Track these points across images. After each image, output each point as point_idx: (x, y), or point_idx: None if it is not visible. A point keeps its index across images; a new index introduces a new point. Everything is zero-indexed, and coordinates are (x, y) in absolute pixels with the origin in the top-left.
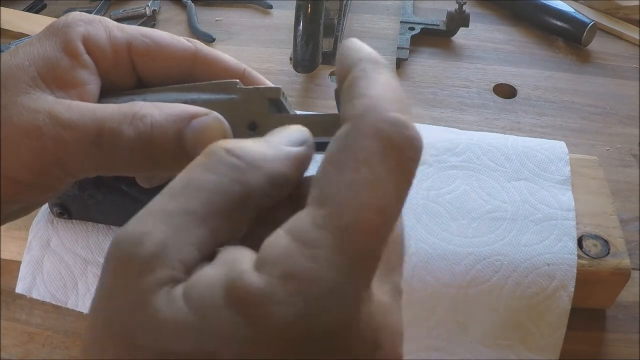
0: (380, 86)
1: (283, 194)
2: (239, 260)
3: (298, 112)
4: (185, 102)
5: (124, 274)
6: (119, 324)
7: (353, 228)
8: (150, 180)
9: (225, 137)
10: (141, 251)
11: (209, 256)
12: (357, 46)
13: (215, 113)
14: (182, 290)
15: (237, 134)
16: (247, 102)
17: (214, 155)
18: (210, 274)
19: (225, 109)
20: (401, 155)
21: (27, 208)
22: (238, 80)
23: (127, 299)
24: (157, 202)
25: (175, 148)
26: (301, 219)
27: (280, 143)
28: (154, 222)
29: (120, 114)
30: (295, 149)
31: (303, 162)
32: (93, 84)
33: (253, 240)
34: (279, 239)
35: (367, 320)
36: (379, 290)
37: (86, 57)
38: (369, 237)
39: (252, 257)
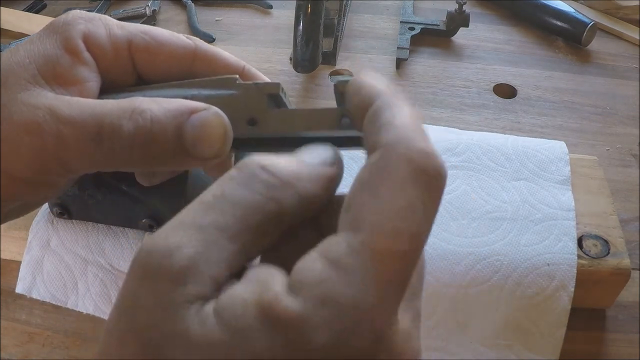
0: (407, 117)
1: (312, 213)
2: (271, 280)
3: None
4: (185, 97)
5: (154, 283)
6: (145, 330)
7: (388, 254)
8: (150, 178)
9: (224, 132)
10: (173, 264)
11: (237, 272)
12: (374, 80)
13: (214, 108)
14: (213, 308)
15: (236, 129)
16: (247, 98)
17: (248, 170)
18: (242, 293)
19: (224, 104)
20: (431, 183)
21: (27, 207)
22: (237, 76)
23: (156, 309)
24: (190, 214)
25: (174, 143)
26: (336, 244)
27: (313, 162)
28: (187, 235)
29: (119, 109)
30: (328, 170)
31: (334, 182)
32: (93, 81)
33: (276, 255)
34: (314, 263)
35: (392, 346)
36: (403, 316)
37: (86, 54)
38: (402, 264)
39: (283, 277)
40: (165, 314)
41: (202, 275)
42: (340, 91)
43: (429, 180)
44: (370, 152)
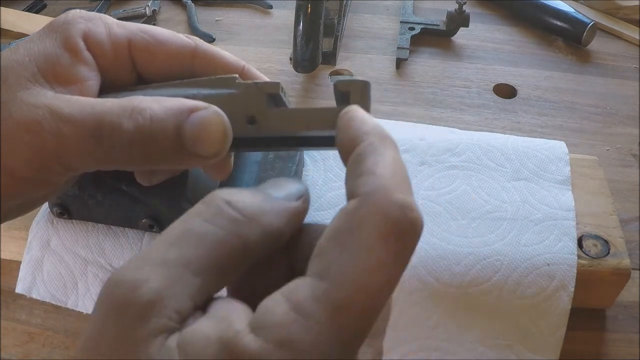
0: (388, 165)
1: (278, 246)
2: (234, 317)
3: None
4: (185, 97)
5: (119, 316)
6: None
7: (349, 308)
8: (150, 178)
9: (224, 131)
10: (138, 298)
11: (202, 305)
12: (362, 117)
13: (214, 107)
14: (176, 341)
15: (236, 128)
16: (246, 97)
17: (213, 206)
18: (205, 328)
19: (224, 103)
20: (405, 238)
21: (27, 206)
22: (237, 75)
23: (120, 342)
24: (155, 249)
25: (174, 142)
26: (301, 289)
27: (278, 196)
28: (152, 270)
29: (119, 108)
30: (293, 204)
31: (299, 216)
32: (93, 80)
33: (244, 287)
34: (277, 306)
35: None
36: (363, 356)
37: (86, 53)
38: (363, 317)
39: (246, 314)
40: (128, 347)
41: (166, 309)
42: (340, 90)
43: (403, 235)
44: (349, 197)
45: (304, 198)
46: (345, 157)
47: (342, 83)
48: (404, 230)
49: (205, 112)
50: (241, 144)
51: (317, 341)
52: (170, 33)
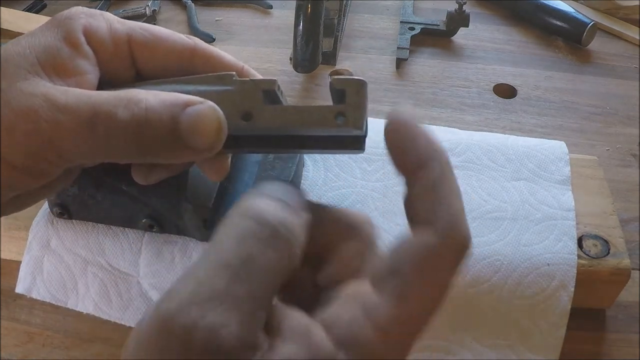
0: (458, 198)
1: None
2: (313, 335)
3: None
4: (181, 92)
5: None
6: None
7: (421, 325)
8: (146, 176)
9: (219, 124)
10: (222, 345)
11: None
12: (427, 133)
13: (210, 102)
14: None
15: (231, 124)
16: (242, 93)
17: (269, 227)
18: (295, 355)
19: (220, 99)
20: (461, 264)
21: (24, 200)
22: (234, 73)
23: None
24: (216, 279)
25: (169, 134)
26: (383, 311)
27: (299, 208)
28: (227, 311)
29: (115, 99)
30: (308, 216)
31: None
32: (92, 73)
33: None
34: (361, 326)
35: None
36: None
37: (86, 47)
38: (425, 328)
39: (321, 331)
40: None
41: (247, 347)
42: (336, 89)
43: (462, 262)
44: (420, 218)
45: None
46: (403, 165)
47: (338, 81)
48: (464, 259)
49: (201, 106)
50: (237, 143)
51: (396, 355)
52: (170, 32)
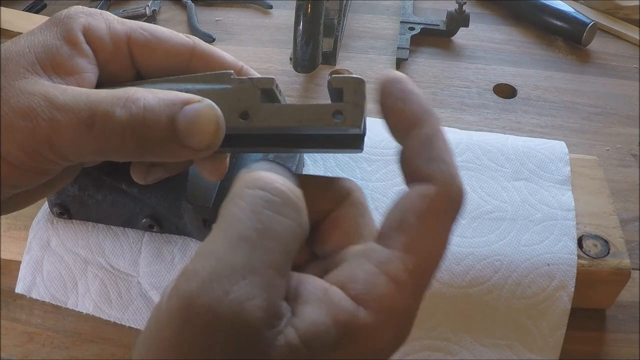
0: (451, 153)
1: None
2: (332, 295)
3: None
4: (179, 91)
5: (232, 343)
6: None
7: (429, 276)
8: (145, 176)
9: (217, 123)
10: (248, 319)
11: None
12: (419, 92)
13: (208, 100)
14: (296, 339)
15: (229, 122)
16: (240, 92)
17: (279, 194)
18: (316, 316)
19: (218, 98)
20: (458, 215)
21: (23, 199)
22: (232, 72)
23: None
24: (233, 252)
25: (167, 133)
26: (395, 263)
27: (290, 178)
28: (249, 283)
29: (113, 97)
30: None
31: None
32: (91, 72)
33: None
34: (377, 278)
35: None
36: None
37: (85, 46)
38: (432, 278)
39: (338, 290)
40: None
41: (273, 319)
42: (334, 87)
43: (458, 213)
44: (418, 174)
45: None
46: (397, 125)
47: (336, 80)
48: (460, 209)
49: (199, 104)
50: (235, 142)
51: (411, 305)
52: (169, 31)
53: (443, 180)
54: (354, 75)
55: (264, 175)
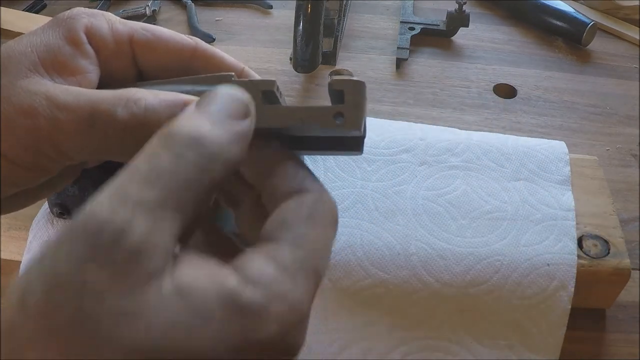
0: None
1: (231, 175)
2: (220, 269)
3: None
4: (181, 92)
5: (107, 263)
6: (98, 314)
7: (319, 270)
8: None
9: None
10: (127, 242)
11: (181, 239)
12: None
13: None
14: (174, 287)
15: None
16: None
17: (180, 139)
18: (204, 277)
19: None
20: (336, 219)
21: (23, 198)
22: (233, 74)
23: (111, 289)
24: (129, 187)
25: None
26: (282, 254)
27: (226, 117)
28: (135, 211)
29: (114, 97)
30: (244, 127)
31: (249, 137)
32: (92, 72)
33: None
34: (267, 266)
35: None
36: None
37: (87, 46)
38: (322, 277)
39: (229, 268)
40: (121, 294)
41: (155, 251)
42: (335, 89)
43: (336, 219)
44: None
45: (251, 116)
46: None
47: (337, 82)
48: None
49: None
50: None
51: (302, 296)
52: (171, 32)
53: (316, 190)
54: (355, 78)
55: (177, 125)
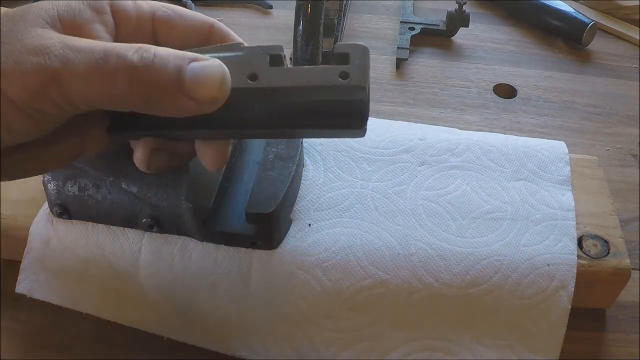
0: None
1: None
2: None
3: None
4: None
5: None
6: None
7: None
8: (148, 163)
9: (223, 76)
10: None
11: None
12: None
13: (217, 60)
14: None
15: (238, 83)
16: (250, 57)
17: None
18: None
19: (229, 62)
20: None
21: (23, 163)
22: (242, 42)
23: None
24: None
25: (173, 80)
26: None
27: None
28: None
29: (127, 45)
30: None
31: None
32: (106, 41)
33: None
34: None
35: None
36: None
37: (109, 17)
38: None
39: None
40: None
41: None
42: (340, 52)
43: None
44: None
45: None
46: None
47: (342, 45)
48: None
49: (207, 61)
50: (242, 100)
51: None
52: (189, 11)
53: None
54: (359, 43)
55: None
